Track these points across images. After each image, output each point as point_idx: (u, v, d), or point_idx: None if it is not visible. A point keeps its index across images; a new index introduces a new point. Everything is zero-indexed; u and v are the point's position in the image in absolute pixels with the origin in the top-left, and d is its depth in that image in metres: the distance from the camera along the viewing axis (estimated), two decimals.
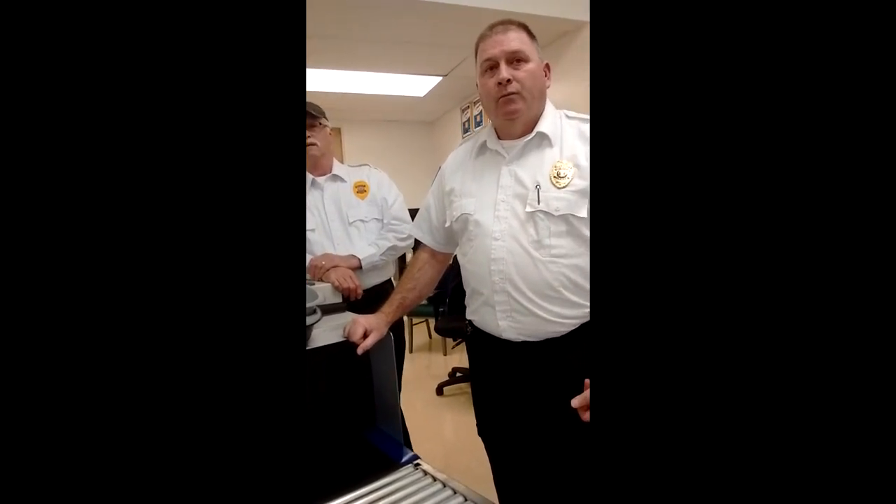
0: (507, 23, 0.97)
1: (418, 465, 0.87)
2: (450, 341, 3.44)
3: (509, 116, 0.97)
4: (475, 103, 3.82)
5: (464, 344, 2.51)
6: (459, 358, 3.33)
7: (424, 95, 3.84)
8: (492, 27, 0.98)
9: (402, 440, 1.01)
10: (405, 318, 2.28)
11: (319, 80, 3.28)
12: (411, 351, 3.55)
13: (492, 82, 0.96)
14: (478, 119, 3.81)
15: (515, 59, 0.95)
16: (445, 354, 3.51)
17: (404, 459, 0.91)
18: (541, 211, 0.93)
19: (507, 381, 1.05)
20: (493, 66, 0.96)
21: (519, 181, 0.97)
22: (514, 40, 0.95)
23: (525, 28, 0.98)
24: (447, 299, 2.77)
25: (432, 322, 3.45)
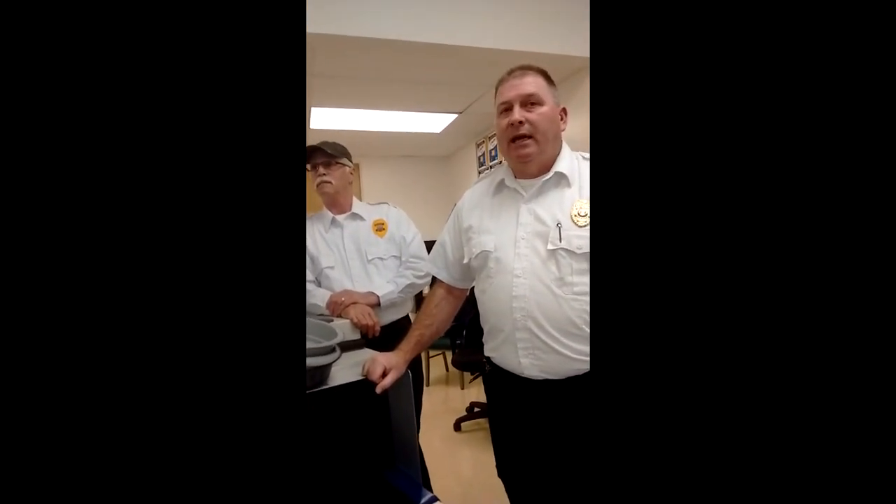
0: (526, 68, 1.01)
1: None
2: (467, 375, 3.39)
3: (522, 160, 1.00)
4: (490, 138, 3.89)
5: (481, 377, 2.48)
6: (477, 392, 3.28)
7: (441, 132, 3.92)
8: (510, 72, 1.01)
9: (420, 480, 1.00)
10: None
11: (339, 119, 3.38)
12: (428, 384, 3.51)
13: (505, 123, 0.99)
14: (493, 153, 3.86)
15: (529, 101, 0.98)
16: (463, 388, 3.46)
17: (423, 501, 0.89)
18: (563, 249, 0.94)
19: (528, 421, 1.03)
20: (507, 108, 1.00)
21: (539, 219, 0.98)
22: (530, 84, 0.98)
23: (543, 73, 1.02)
24: (464, 332, 2.75)
25: (449, 354, 3.42)
